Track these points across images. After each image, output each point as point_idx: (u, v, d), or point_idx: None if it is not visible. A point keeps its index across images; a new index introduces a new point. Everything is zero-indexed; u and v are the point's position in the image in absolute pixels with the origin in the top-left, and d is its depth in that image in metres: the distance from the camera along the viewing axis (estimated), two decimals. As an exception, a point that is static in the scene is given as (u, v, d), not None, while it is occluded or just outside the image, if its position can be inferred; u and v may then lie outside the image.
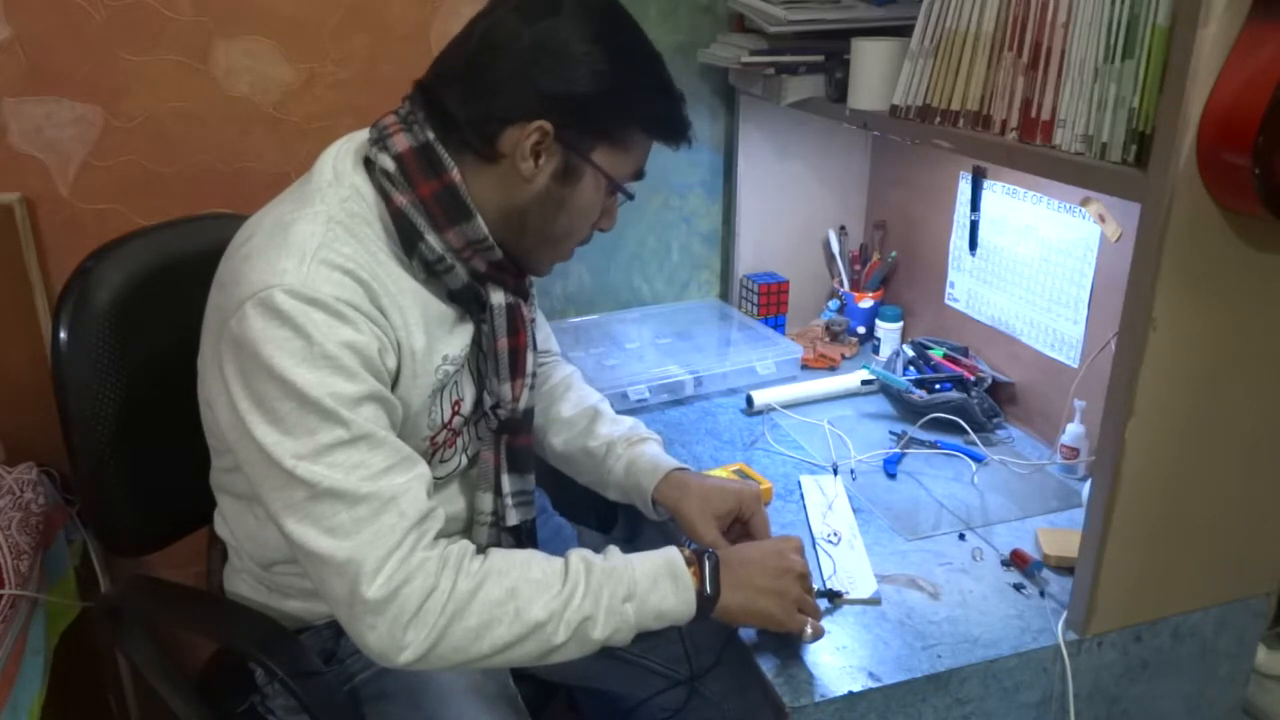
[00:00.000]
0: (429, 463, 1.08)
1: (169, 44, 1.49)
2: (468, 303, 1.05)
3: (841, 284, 1.87)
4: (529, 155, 0.97)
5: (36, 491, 1.41)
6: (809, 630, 1.01)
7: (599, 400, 1.29)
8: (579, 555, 0.96)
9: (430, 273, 0.99)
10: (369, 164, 0.99)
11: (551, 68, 0.96)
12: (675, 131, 1.04)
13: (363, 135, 1.03)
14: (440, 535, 0.93)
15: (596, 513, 1.57)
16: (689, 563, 0.98)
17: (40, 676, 1.30)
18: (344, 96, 1.59)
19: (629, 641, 0.95)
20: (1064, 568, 1.15)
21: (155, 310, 1.16)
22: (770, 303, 1.85)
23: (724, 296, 1.95)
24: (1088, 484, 1.12)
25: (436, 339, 1.02)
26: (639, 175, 1.08)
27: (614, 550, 1.00)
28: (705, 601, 0.97)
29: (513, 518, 1.12)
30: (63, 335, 1.10)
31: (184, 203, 1.55)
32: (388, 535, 0.88)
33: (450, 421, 1.08)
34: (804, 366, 1.72)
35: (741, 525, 1.14)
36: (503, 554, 0.95)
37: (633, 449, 1.21)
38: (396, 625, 0.87)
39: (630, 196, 1.07)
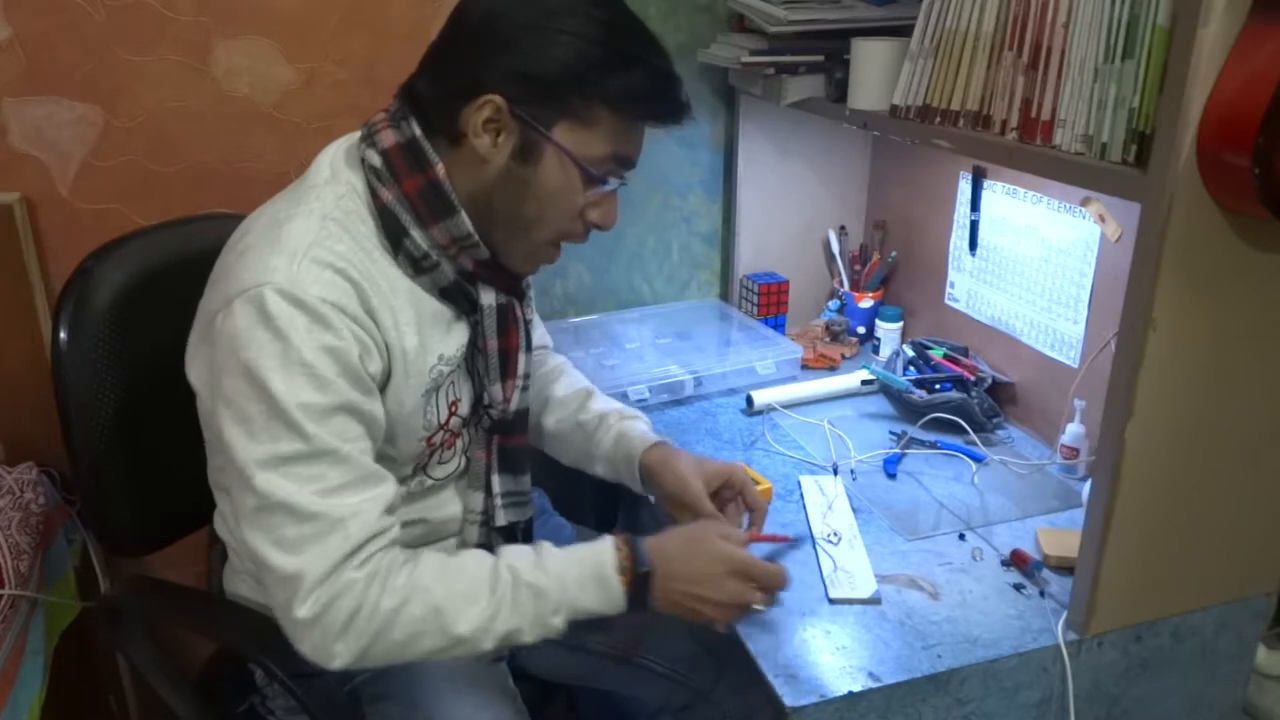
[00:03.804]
0: (427, 465, 1.08)
1: (169, 44, 1.49)
2: (459, 302, 1.04)
3: (841, 284, 1.87)
4: (482, 131, 0.95)
5: (36, 491, 1.41)
6: (758, 606, 1.01)
7: (590, 384, 1.31)
8: (506, 565, 0.96)
9: (418, 269, 0.99)
10: (364, 162, 0.99)
11: (503, 40, 0.94)
12: (655, 110, 0.98)
13: (358, 135, 1.03)
14: (430, 540, 0.93)
15: (596, 513, 1.57)
16: (621, 571, 0.97)
17: (40, 676, 1.30)
18: (344, 96, 1.59)
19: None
20: (1064, 568, 1.15)
21: (155, 310, 1.15)
22: (770, 303, 1.84)
23: (724, 296, 1.95)
24: (1088, 484, 1.12)
25: (431, 338, 1.01)
26: (625, 161, 1.00)
27: (546, 550, 0.98)
28: (635, 604, 0.97)
29: (502, 518, 1.11)
30: (63, 335, 1.10)
31: (184, 203, 1.55)
32: (331, 555, 0.88)
33: (447, 422, 1.07)
34: (804, 366, 1.72)
35: (733, 493, 1.15)
36: (434, 564, 0.95)
37: (624, 422, 1.22)
38: (326, 637, 0.89)
39: (600, 180, 0.98)
